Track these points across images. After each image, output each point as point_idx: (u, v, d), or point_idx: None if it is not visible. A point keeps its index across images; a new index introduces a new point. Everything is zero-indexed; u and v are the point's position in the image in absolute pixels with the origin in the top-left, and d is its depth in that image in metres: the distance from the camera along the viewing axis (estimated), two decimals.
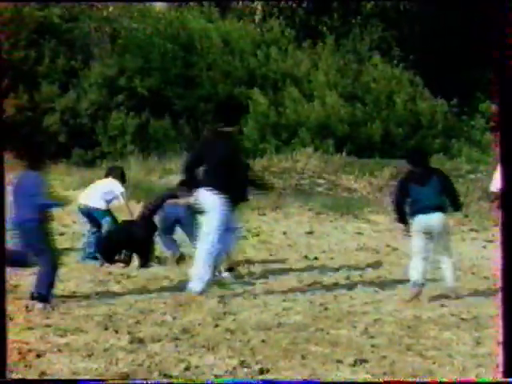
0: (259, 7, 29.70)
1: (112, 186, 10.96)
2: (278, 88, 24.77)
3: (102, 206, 10.85)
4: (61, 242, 12.03)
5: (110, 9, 27.87)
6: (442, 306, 7.85)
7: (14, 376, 4.86)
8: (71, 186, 16.83)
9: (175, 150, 22.11)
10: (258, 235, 14.24)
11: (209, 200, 8.17)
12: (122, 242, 10.43)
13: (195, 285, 8.00)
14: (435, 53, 26.60)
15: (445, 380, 4.80)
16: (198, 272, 8.03)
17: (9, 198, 7.26)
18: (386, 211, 17.73)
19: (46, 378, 4.87)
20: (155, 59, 24.50)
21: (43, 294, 7.41)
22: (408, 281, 9.47)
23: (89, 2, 23.68)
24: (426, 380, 4.78)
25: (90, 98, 22.43)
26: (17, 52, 21.85)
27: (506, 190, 5.13)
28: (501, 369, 4.73)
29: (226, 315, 7.07)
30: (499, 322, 4.87)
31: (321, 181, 20.02)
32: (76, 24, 24.47)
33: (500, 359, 4.76)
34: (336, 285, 9.24)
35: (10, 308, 6.96)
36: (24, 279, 8.68)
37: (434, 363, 5.52)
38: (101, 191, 10.92)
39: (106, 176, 11.22)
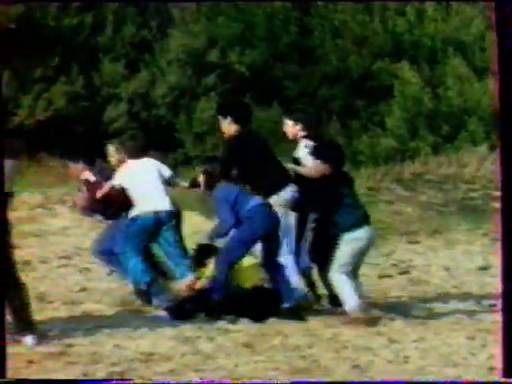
0: None
1: None
2: (437, 61, 24.61)
3: None
4: None
5: None
6: None
7: None
8: None
9: (286, 149, 22.21)
10: (407, 272, 14.16)
11: None
12: None
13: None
14: None
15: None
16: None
17: None
18: None
19: None
20: (259, 24, 24.63)
21: None
22: None
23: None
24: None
25: (168, 81, 22.69)
26: (68, 18, 22.22)
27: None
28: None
29: None
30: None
31: (499, 193, 19.77)
32: None
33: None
34: None
35: None
36: None
37: None
38: None
39: None
